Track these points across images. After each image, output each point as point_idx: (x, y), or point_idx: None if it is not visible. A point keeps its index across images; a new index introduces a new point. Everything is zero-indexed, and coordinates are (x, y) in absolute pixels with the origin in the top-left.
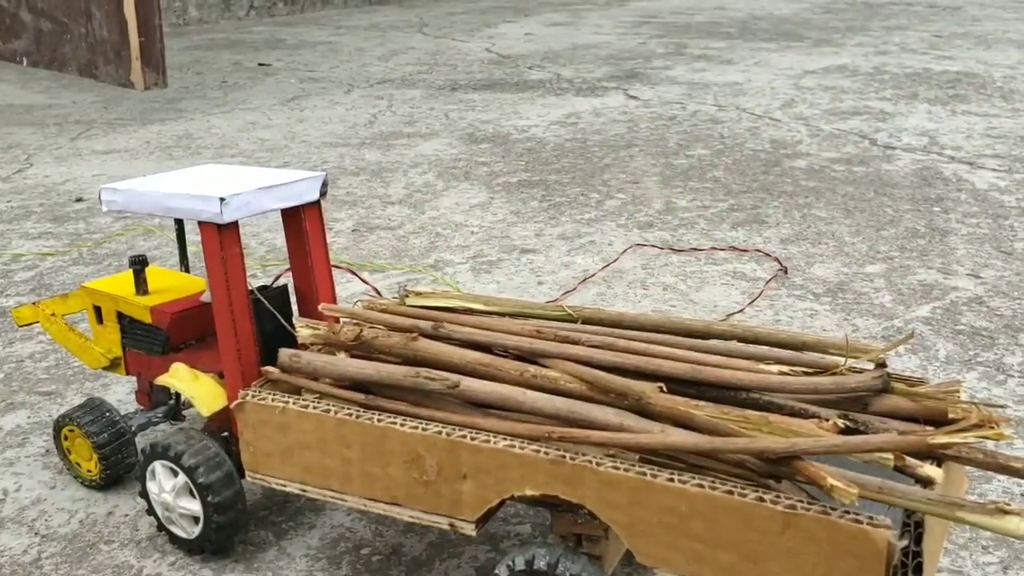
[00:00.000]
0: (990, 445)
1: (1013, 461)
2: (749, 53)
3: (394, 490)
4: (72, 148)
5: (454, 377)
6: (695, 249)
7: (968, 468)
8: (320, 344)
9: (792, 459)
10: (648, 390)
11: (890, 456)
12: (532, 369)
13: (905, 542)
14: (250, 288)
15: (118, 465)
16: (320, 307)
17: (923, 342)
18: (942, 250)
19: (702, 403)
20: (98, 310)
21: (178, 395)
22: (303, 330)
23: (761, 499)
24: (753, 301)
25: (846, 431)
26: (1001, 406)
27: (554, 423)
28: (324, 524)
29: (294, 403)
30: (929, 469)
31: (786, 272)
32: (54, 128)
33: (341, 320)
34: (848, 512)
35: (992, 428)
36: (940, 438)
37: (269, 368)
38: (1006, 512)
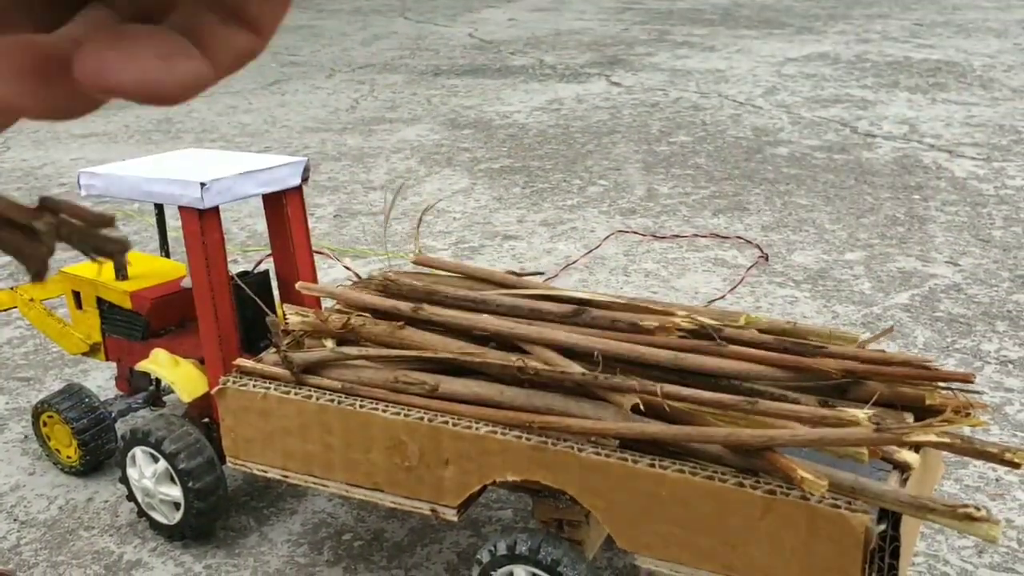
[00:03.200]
0: (967, 431)
1: (989, 447)
2: (731, 40)
3: (376, 476)
4: (50, 131)
5: (432, 380)
6: (677, 236)
7: (945, 453)
8: (309, 330)
9: (766, 451)
10: (625, 404)
11: (864, 451)
12: (514, 358)
13: (883, 526)
14: (231, 274)
15: (98, 451)
16: (297, 285)
17: (901, 329)
18: (921, 238)
19: (684, 390)
20: (77, 295)
21: (158, 381)
22: (292, 317)
23: (741, 484)
24: (734, 288)
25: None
26: (978, 392)
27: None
28: (306, 510)
29: (275, 389)
30: (906, 455)
31: (767, 259)
32: None
33: (324, 304)
34: (826, 497)
35: (968, 415)
36: (916, 435)
37: (241, 361)
38: (974, 519)
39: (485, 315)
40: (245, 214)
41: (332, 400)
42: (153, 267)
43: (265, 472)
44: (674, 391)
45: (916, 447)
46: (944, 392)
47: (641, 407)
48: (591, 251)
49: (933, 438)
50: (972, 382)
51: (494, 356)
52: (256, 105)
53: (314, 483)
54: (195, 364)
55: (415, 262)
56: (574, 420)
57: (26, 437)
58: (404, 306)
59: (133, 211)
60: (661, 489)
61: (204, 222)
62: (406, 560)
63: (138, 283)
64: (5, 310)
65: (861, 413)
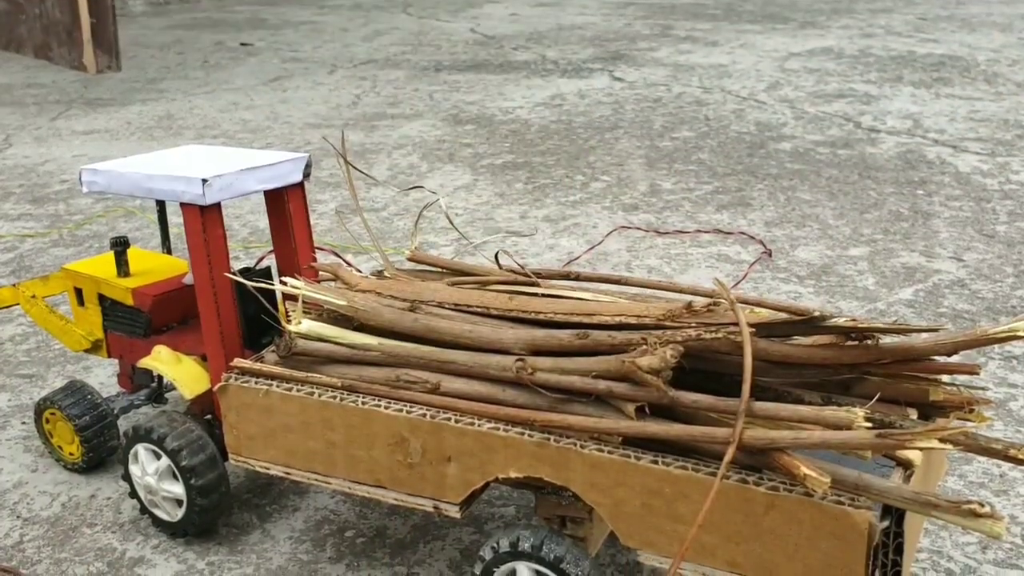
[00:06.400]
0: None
1: (993, 443)
2: (735, 35)
3: (378, 473)
4: (52, 128)
5: (433, 379)
6: (680, 231)
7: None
8: (316, 319)
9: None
10: (627, 410)
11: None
12: (514, 360)
13: (886, 523)
14: (232, 270)
15: (100, 448)
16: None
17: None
18: (925, 233)
19: (683, 393)
20: (79, 292)
21: (160, 378)
22: (297, 317)
23: (744, 481)
24: (737, 283)
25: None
26: (982, 388)
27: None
28: (308, 507)
29: (277, 386)
30: (909, 452)
31: (770, 255)
32: (33, 108)
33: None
34: (830, 493)
35: (972, 411)
36: (919, 441)
37: (239, 361)
38: (979, 515)
39: (477, 315)
40: (247, 210)
41: (334, 397)
42: (155, 264)
43: (267, 469)
44: (675, 395)
45: None
46: (948, 388)
47: (646, 408)
48: (594, 247)
49: (936, 444)
50: (978, 374)
51: (494, 359)
52: (258, 101)
53: (316, 480)
54: (197, 361)
55: (410, 259)
56: (576, 418)
57: (29, 434)
58: (400, 304)
59: (135, 208)
60: (664, 485)
61: (206, 218)
62: (409, 557)
63: (140, 280)
64: (7, 307)
65: (862, 413)
